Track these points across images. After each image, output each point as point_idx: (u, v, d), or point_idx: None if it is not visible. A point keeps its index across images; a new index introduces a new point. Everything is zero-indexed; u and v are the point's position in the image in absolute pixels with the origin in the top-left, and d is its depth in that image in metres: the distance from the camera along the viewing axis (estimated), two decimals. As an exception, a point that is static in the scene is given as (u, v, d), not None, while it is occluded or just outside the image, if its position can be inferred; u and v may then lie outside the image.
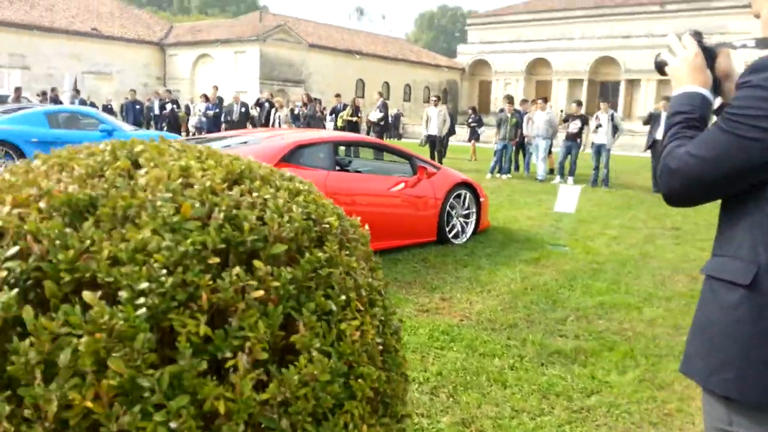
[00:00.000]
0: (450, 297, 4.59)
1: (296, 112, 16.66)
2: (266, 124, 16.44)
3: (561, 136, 13.35)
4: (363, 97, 40.29)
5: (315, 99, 16.35)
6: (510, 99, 13.84)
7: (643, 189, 12.26)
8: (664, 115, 11.43)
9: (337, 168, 5.73)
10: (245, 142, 5.18)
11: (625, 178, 14.23)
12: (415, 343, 3.61)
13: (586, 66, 43.29)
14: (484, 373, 3.20)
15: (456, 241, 6.36)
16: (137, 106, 19.66)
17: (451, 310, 4.28)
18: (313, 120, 15.34)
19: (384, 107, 14.94)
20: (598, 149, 12.26)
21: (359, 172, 6.40)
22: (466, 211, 6.53)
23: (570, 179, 12.49)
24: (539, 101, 13.91)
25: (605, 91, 44.35)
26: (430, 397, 2.93)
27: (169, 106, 17.25)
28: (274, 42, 35.44)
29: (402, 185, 5.84)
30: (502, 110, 13.88)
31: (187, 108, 19.79)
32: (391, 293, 4.48)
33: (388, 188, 5.72)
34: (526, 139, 13.80)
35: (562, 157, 13.09)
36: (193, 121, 17.96)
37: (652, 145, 11.68)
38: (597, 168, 12.39)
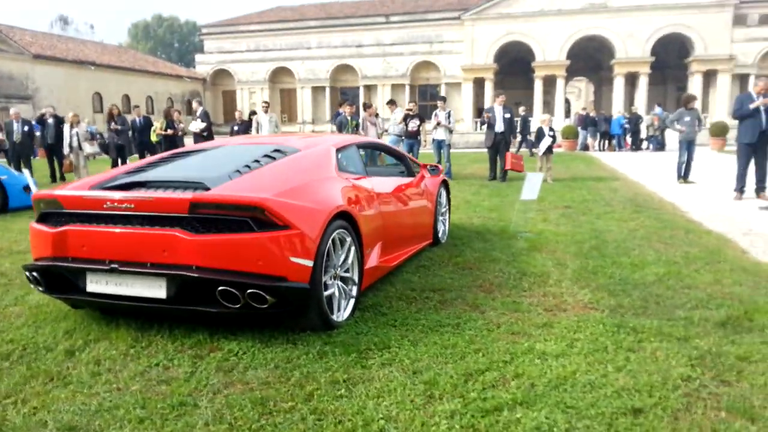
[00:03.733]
0: (553, 292, 4.67)
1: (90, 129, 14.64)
2: (57, 144, 14.16)
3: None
4: (102, 111, 36.68)
5: (121, 114, 14.54)
6: (349, 103, 14.02)
7: (482, 177, 13.46)
8: (499, 111, 12.73)
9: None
10: (283, 152, 4.45)
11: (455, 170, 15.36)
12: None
13: (327, 73, 45.21)
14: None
15: (442, 241, 6.42)
16: None
17: (576, 305, 4.37)
18: (121, 136, 13.65)
19: (206, 116, 13.94)
20: (439, 145, 13.14)
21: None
22: (444, 209, 6.59)
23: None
24: (388, 104, 14.35)
25: (345, 97, 46.97)
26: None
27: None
28: (-11, 53, 30.26)
29: (414, 187, 5.68)
30: (339, 114, 13.98)
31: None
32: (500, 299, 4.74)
33: (409, 191, 5.51)
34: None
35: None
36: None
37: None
38: (439, 161, 13.25)
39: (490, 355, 3.42)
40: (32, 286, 4.05)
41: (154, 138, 14.34)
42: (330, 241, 3.76)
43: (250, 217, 3.40)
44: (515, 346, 3.56)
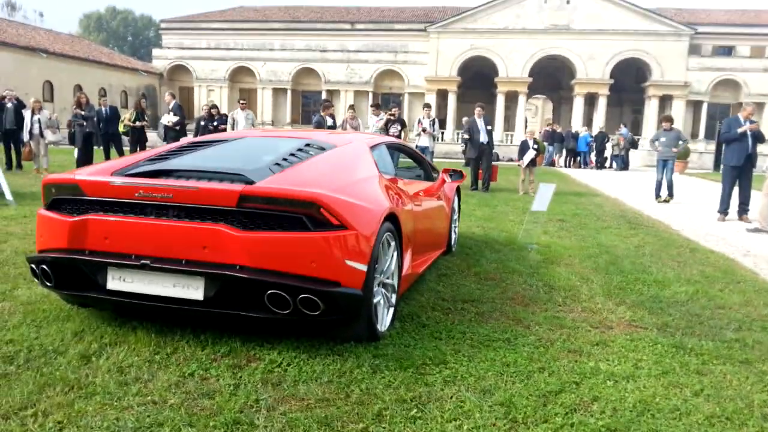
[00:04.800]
0: (590, 308, 4.47)
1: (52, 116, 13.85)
2: (17, 129, 13.33)
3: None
4: (52, 100, 35.18)
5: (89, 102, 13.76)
6: (328, 105, 13.64)
7: (463, 187, 13.27)
8: (480, 123, 12.61)
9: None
10: (320, 147, 4.08)
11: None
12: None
13: (289, 76, 44.59)
14: None
15: (453, 249, 6.17)
16: None
17: (620, 322, 4.17)
18: (89, 123, 12.92)
19: (179, 110, 13.32)
20: (423, 151, 12.91)
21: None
22: (456, 217, 6.35)
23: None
24: (372, 108, 14.01)
25: (307, 102, 46.44)
26: None
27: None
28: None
29: (435, 191, 5.40)
30: (315, 113, 13.58)
31: None
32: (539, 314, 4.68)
33: (431, 195, 5.20)
34: None
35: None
36: None
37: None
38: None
39: (558, 375, 3.16)
40: (36, 280, 3.58)
41: (121, 129, 13.64)
42: (380, 245, 3.45)
43: (305, 213, 3.05)
44: (579, 365, 3.32)
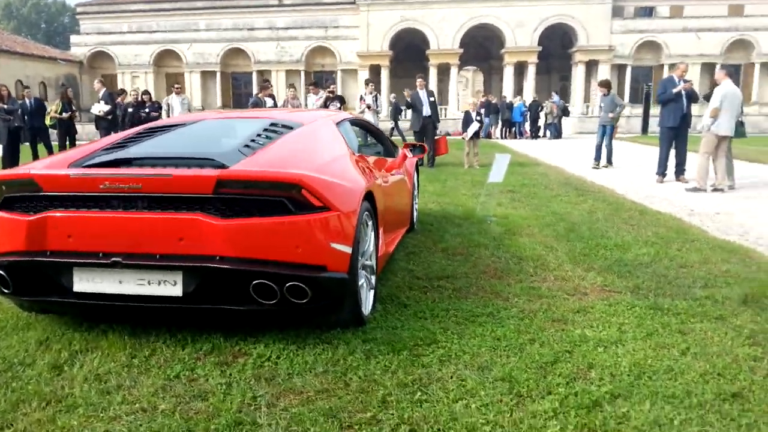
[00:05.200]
0: (562, 276, 4.50)
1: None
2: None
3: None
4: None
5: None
6: (267, 85, 13.30)
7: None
8: (423, 95, 12.56)
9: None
10: (287, 126, 3.93)
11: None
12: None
13: (217, 58, 43.35)
14: None
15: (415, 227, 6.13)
16: None
17: (593, 288, 4.23)
18: (14, 117, 12.14)
19: (110, 98, 12.67)
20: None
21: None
22: (416, 193, 6.29)
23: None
24: (311, 87, 13.70)
25: (237, 84, 45.31)
26: None
27: None
28: None
29: (398, 168, 5.30)
30: (249, 96, 13.22)
31: None
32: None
33: (395, 171, 5.10)
34: None
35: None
36: None
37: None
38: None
39: (549, 345, 3.17)
40: (-10, 288, 3.30)
41: (48, 122, 12.89)
42: (360, 225, 3.35)
43: (286, 196, 2.91)
44: (566, 334, 3.34)
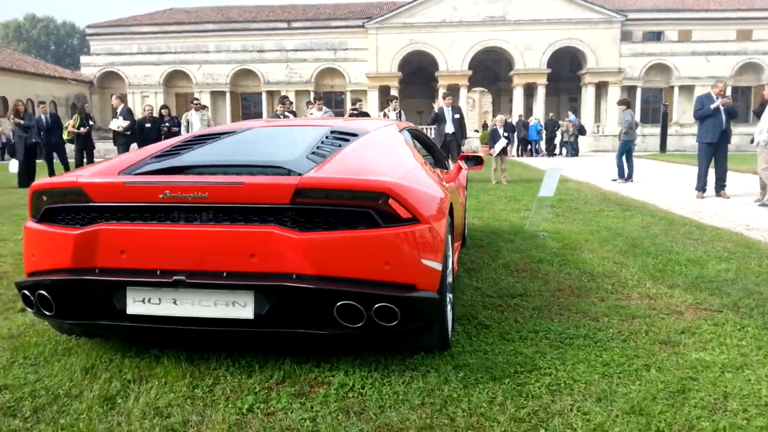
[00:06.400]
0: (646, 294, 4.14)
1: None
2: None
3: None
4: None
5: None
6: (286, 98, 12.96)
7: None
8: (448, 112, 12.28)
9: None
10: (351, 134, 3.53)
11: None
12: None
13: (226, 78, 43.33)
14: None
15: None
16: None
17: (686, 306, 3.87)
18: (31, 133, 11.86)
19: (129, 114, 12.39)
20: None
21: None
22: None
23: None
24: (317, 101, 13.30)
25: (247, 104, 45.27)
26: None
27: None
28: None
29: (455, 180, 4.89)
30: (273, 114, 12.92)
31: None
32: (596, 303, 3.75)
33: (454, 183, 4.65)
34: None
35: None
36: None
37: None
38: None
39: (668, 371, 2.77)
40: (30, 310, 2.92)
41: (66, 136, 12.60)
42: (447, 239, 2.97)
43: (372, 207, 2.53)
44: (680, 357, 2.94)
